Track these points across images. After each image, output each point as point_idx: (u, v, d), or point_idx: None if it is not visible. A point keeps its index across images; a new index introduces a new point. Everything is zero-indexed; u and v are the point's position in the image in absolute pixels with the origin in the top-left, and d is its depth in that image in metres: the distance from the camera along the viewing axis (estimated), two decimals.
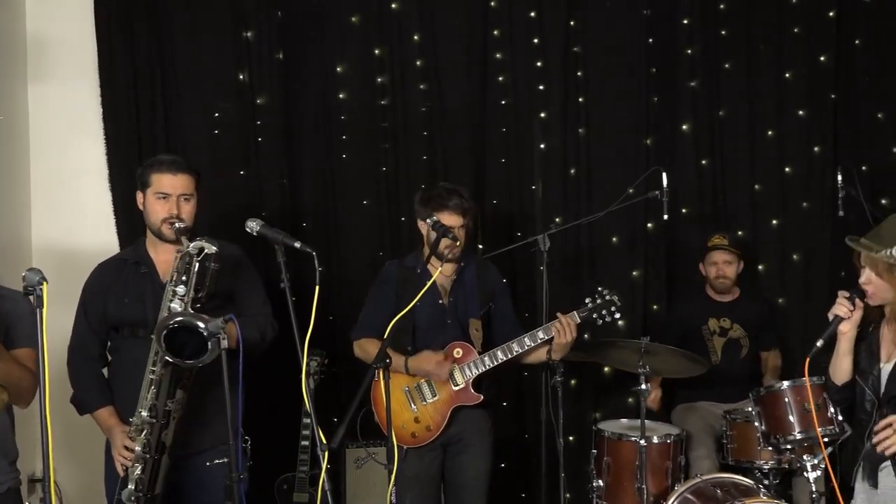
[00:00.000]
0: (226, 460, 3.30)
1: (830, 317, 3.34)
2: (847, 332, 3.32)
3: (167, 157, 3.76)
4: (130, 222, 4.81)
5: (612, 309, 4.23)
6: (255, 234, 3.27)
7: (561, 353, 4.21)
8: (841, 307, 3.31)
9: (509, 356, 4.15)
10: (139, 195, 3.67)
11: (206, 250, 3.31)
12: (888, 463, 3.22)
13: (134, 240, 3.96)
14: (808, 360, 3.32)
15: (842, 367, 3.37)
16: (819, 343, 3.30)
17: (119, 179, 4.92)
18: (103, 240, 4.87)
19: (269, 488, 4.65)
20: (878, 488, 3.26)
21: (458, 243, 4.07)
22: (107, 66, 4.95)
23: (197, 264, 3.31)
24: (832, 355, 3.41)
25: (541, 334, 4.14)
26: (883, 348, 3.32)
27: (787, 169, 5.60)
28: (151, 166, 3.65)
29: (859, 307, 3.30)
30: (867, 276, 3.27)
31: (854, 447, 3.44)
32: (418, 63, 5.31)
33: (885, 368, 3.29)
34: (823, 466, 4.26)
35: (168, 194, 3.57)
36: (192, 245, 3.32)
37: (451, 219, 4.11)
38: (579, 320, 4.19)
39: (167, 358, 3.22)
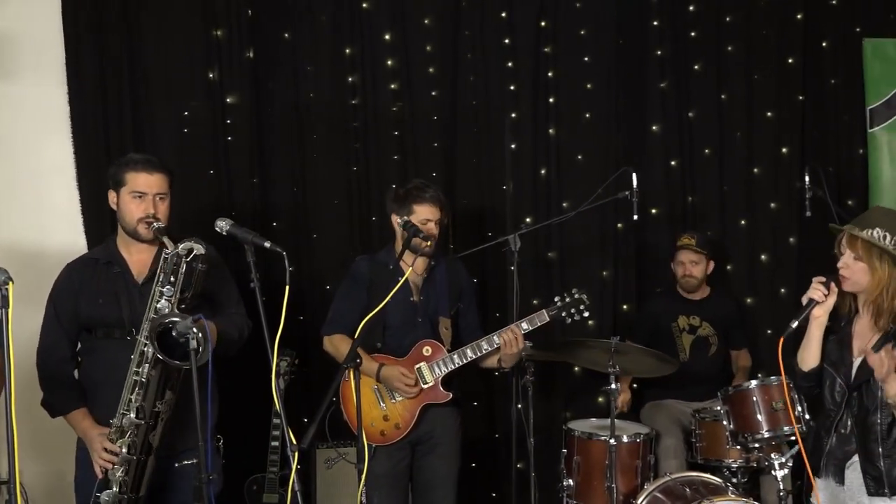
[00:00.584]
0: (195, 461, 3.28)
1: (804, 301, 3.35)
2: (819, 316, 3.33)
3: (141, 155, 3.70)
4: (98, 221, 4.76)
5: (581, 307, 4.25)
6: (224, 233, 3.25)
7: (510, 362, 4.22)
8: (816, 291, 3.31)
9: (479, 354, 4.16)
10: (112, 194, 3.61)
11: (195, 251, 3.28)
12: (855, 459, 3.25)
13: (102, 239, 3.91)
14: (781, 340, 3.32)
15: (811, 352, 3.37)
16: (793, 324, 3.32)
17: (87, 178, 4.86)
18: (70, 239, 4.81)
19: (239, 489, 4.63)
20: (845, 485, 3.28)
21: (428, 243, 4.07)
22: (74, 63, 4.88)
23: (185, 265, 3.29)
24: (801, 342, 3.43)
25: (496, 339, 4.15)
26: (855, 342, 3.34)
27: (755, 170, 5.66)
28: (126, 165, 3.59)
29: (833, 292, 3.31)
30: (845, 261, 3.28)
31: (818, 438, 3.44)
32: (389, 63, 5.31)
33: (857, 362, 3.31)
34: (791, 465, 4.31)
35: (144, 193, 3.53)
36: (181, 246, 3.29)
37: (428, 211, 4.12)
38: (548, 318, 4.21)
39: (158, 357, 3.19)
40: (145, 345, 3.25)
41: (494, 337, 4.16)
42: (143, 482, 3.37)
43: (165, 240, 3.37)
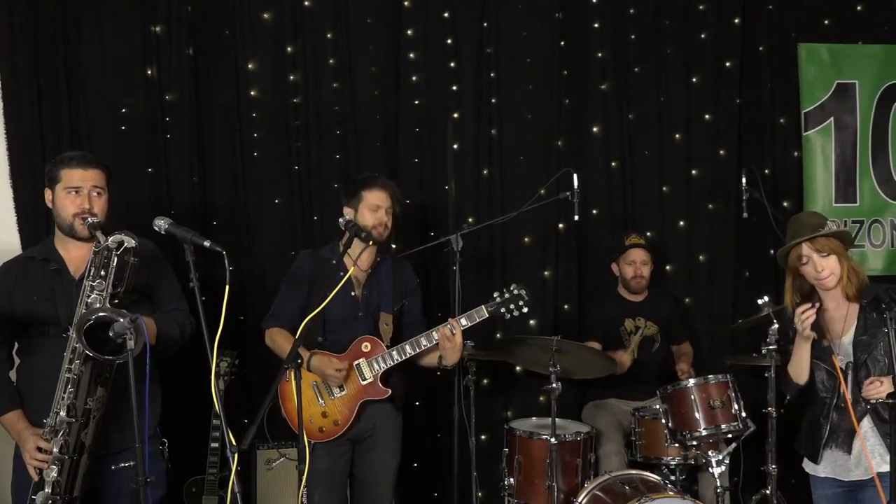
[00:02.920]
0: (132, 463, 3.22)
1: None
2: (810, 337, 3.59)
3: (76, 152, 3.65)
4: (33, 221, 4.67)
5: (521, 303, 4.23)
6: (163, 232, 3.21)
7: (450, 359, 4.19)
8: (807, 322, 3.56)
9: (417, 350, 4.15)
10: (47, 192, 3.55)
11: (125, 244, 3.23)
12: (862, 426, 3.53)
13: (37, 239, 3.85)
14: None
15: (804, 367, 3.66)
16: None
17: (21, 178, 4.75)
18: (4, 239, 4.71)
19: (178, 491, 4.57)
20: (852, 452, 3.57)
21: (370, 244, 4.05)
22: (8, 58, 4.77)
23: (116, 258, 3.23)
24: (786, 362, 3.77)
25: (435, 335, 4.15)
26: (832, 326, 3.63)
27: (693, 171, 5.74)
28: (60, 162, 3.54)
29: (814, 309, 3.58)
30: (821, 263, 3.56)
31: (814, 425, 3.70)
32: (331, 61, 5.28)
33: (846, 340, 3.58)
34: (728, 462, 4.38)
35: (79, 188, 3.47)
36: (111, 239, 3.23)
37: (377, 197, 4.15)
38: (487, 314, 4.20)
39: (87, 353, 3.13)
40: (76, 340, 3.19)
41: (433, 333, 4.15)
42: (77, 483, 3.30)
43: (98, 234, 3.31)
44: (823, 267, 3.55)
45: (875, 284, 3.67)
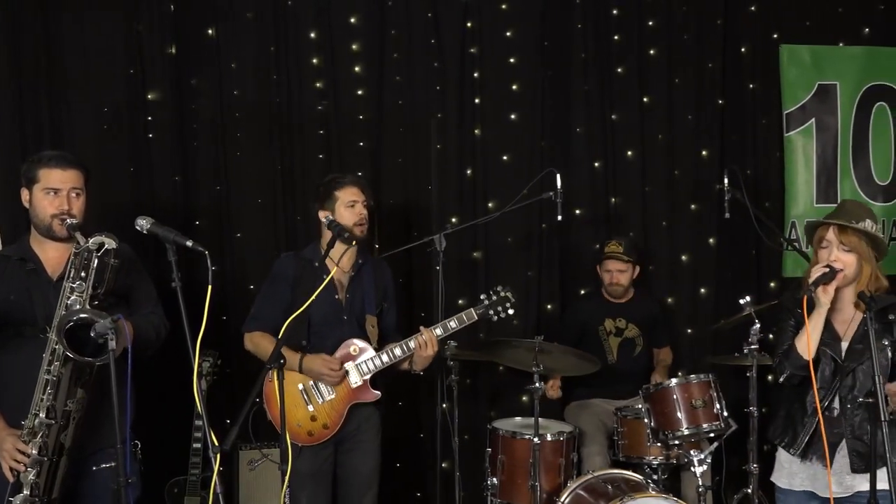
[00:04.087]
0: (113, 464, 3.21)
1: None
2: (826, 304, 3.33)
3: (54, 152, 3.62)
4: (12, 220, 4.62)
5: (507, 305, 4.26)
6: (145, 232, 3.19)
7: (422, 365, 4.21)
8: (823, 269, 3.33)
9: (407, 353, 4.14)
10: (24, 192, 3.53)
11: (106, 245, 3.21)
12: (844, 443, 3.36)
13: (14, 238, 3.81)
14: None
15: (815, 340, 3.35)
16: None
17: (1, 175, 4.73)
18: None
19: (160, 492, 4.56)
20: (833, 466, 3.35)
21: (353, 244, 4.05)
22: None
23: (96, 260, 3.22)
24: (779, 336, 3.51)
25: (412, 343, 4.15)
26: (836, 327, 3.44)
27: (676, 172, 5.76)
28: (38, 161, 3.51)
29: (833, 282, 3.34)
30: (836, 254, 3.36)
31: (792, 416, 3.51)
32: (314, 61, 5.28)
33: (843, 346, 3.42)
34: (710, 461, 4.40)
35: (58, 189, 3.45)
36: (91, 240, 3.22)
37: (351, 192, 4.14)
38: (476, 317, 4.22)
39: (68, 355, 3.11)
40: (56, 342, 3.17)
41: (436, 329, 4.17)
42: (56, 485, 3.28)
43: (78, 235, 3.29)
44: (838, 259, 3.33)
45: (889, 296, 3.46)
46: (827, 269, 3.31)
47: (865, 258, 3.37)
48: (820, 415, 3.32)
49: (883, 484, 3.09)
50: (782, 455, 3.57)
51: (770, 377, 3.67)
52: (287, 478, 3.36)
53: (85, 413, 3.33)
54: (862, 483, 3.28)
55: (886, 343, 3.36)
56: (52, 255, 3.50)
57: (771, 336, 4.42)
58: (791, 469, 3.52)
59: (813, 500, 3.46)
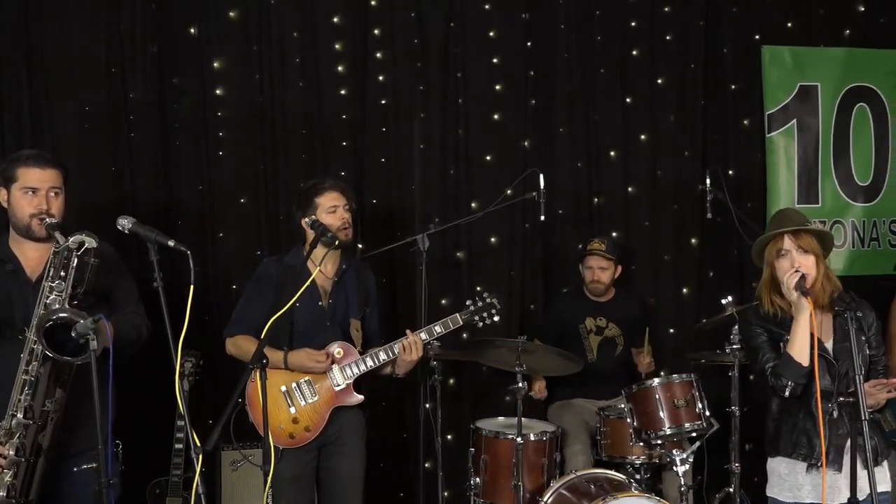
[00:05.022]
0: (95, 465, 3.19)
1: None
2: (810, 309, 3.26)
3: (32, 151, 3.60)
4: None
5: (493, 311, 4.27)
6: (126, 231, 3.18)
7: (405, 369, 4.21)
8: (791, 277, 3.31)
9: (392, 356, 4.13)
10: (2, 191, 3.50)
11: (86, 244, 3.20)
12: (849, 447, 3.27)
13: None
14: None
15: (805, 345, 3.30)
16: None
17: None
18: None
19: (142, 492, 4.54)
20: (842, 472, 3.29)
21: (336, 245, 4.03)
22: None
23: (76, 259, 3.20)
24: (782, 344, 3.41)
25: (396, 348, 4.13)
26: (820, 333, 3.37)
27: (658, 172, 5.78)
28: (16, 161, 3.49)
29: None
30: (798, 259, 3.35)
31: (803, 426, 3.38)
32: (297, 60, 5.26)
33: (830, 346, 3.38)
34: (692, 461, 4.41)
35: (36, 188, 3.43)
36: (71, 239, 3.20)
37: (332, 198, 4.11)
38: (462, 322, 4.22)
39: (47, 354, 3.09)
40: (35, 342, 3.15)
41: (421, 334, 4.17)
42: (33, 486, 3.26)
43: (57, 234, 3.27)
44: (801, 264, 3.33)
45: (848, 295, 3.45)
46: (800, 275, 3.30)
47: (820, 258, 3.39)
48: (820, 419, 3.22)
49: (884, 486, 3.13)
50: (782, 467, 3.44)
51: (771, 393, 3.46)
52: (269, 479, 3.35)
53: (64, 414, 3.31)
54: (869, 485, 3.12)
55: (864, 338, 3.35)
56: (31, 256, 3.48)
57: None
58: (795, 481, 3.40)
59: None
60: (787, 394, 3.32)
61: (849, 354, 3.22)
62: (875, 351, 3.41)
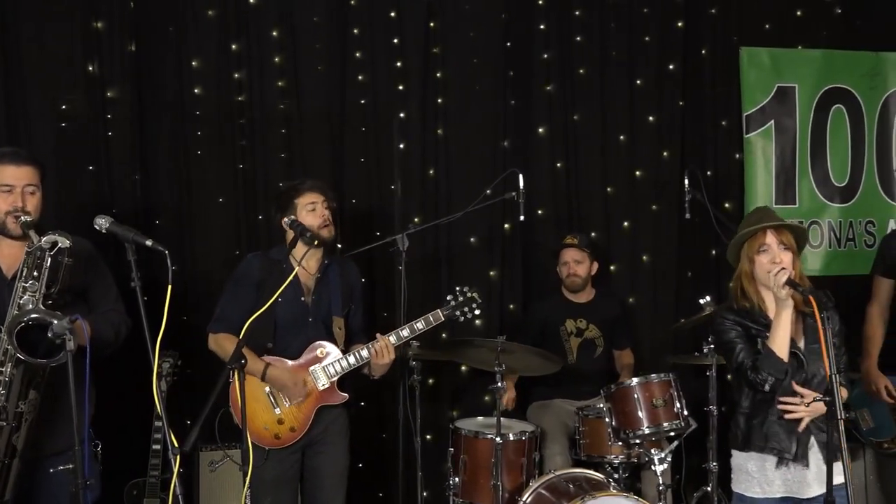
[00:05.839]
0: (71, 466, 3.17)
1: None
2: (788, 297, 3.30)
3: (8, 148, 3.59)
4: None
5: (474, 306, 4.27)
6: (104, 231, 3.16)
7: (380, 372, 4.19)
8: (779, 274, 3.32)
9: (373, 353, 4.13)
10: None
11: (59, 244, 3.18)
12: (814, 441, 3.35)
13: None
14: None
15: (787, 340, 3.34)
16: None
17: None
18: None
19: (119, 493, 4.51)
20: (810, 466, 3.35)
21: (315, 244, 4.03)
22: None
23: (49, 259, 3.18)
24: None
25: (364, 353, 4.12)
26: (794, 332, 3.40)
27: (637, 172, 5.80)
28: None
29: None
30: (780, 255, 3.38)
31: (774, 421, 3.41)
32: (276, 59, 5.25)
33: (802, 345, 3.42)
34: (670, 460, 4.43)
35: (12, 186, 3.41)
36: (44, 239, 3.18)
37: (311, 196, 4.10)
38: (443, 318, 4.22)
39: (19, 356, 3.06)
40: (7, 342, 3.13)
41: (391, 336, 4.15)
42: (9, 487, 3.24)
43: (32, 233, 3.25)
44: (782, 259, 3.35)
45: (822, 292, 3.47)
46: (788, 271, 3.32)
47: (797, 255, 3.43)
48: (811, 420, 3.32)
49: (840, 478, 3.11)
50: (751, 464, 3.45)
51: (748, 387, 3.46)
52: (248, 479, 3.34)
53: (39, 414, 3.29)
54: (836, 478, 3.16)
55: (835, 341, 3.33)
56: (6, 253, 3.46)
57: None
58: (765, 477, 3.42)
59: None
60: (766, 388, 3.34)
61: (817, 356, 3.26)
62: (837, 351, 3.38)
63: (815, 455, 3.37)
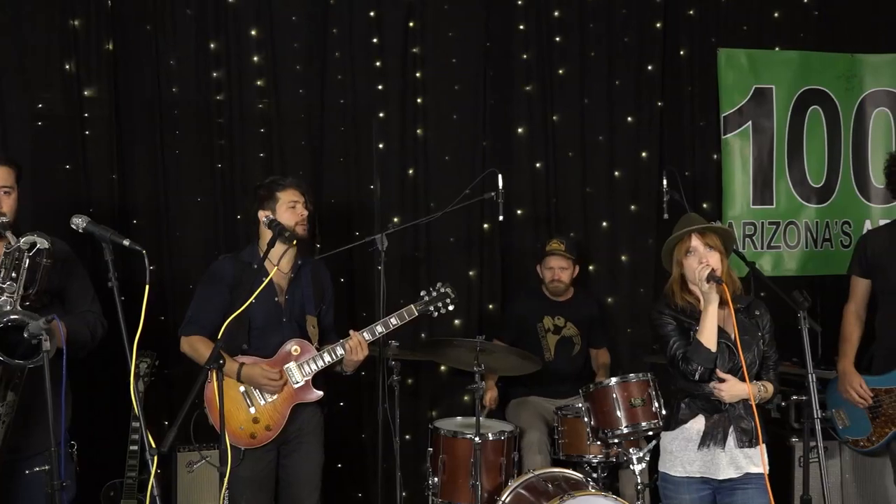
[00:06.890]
0: (47, 468, 3.14)
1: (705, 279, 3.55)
2: (712, 290, 3.51)
3: None
4: None
5: (448, 301, 4.25)
6: (81, 230, 3.14)
7: (352, 367, 4.19)
8: (701, 269, 3.54)
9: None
10: None
11: (38, 245, 3.15)
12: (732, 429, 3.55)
13: None
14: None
15: (714, 332, 3.53)
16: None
17: None
18: None
19: (96, 495, 4.48)
20: (725, 449, 3.55)
21: (294, 243, 4.02)
22: None
23: (28, 260, 3.15)
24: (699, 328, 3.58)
25: (339, 350, 4.12)
26: (724, 324, 3.60)
27: (616, 173, 5.82)
28: None
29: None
30: (707, 256, 3.57)
31: (698, 404, 3.62)
32: (255, 59, 5.23)
33: (734, 337, 3.56)
34: (648, 459, 4.44)
35: None
36: (23, 240, 3.15)
37: (292, 194, 4.11)
38: (416, 313, 4.21)
39: None
40: None
41: (366, 333, 4.15)
42: None
43: (9, 234, 3.23)
44: (708, 260, 3.55)
45: (748, 296, 3.81)
46: (711, 268, 3.51)
47: (724, 256, 3.61)
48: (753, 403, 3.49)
49: (758, 469, 3.48)
50: (675, 444, 3.65)
51: (680, 377, 3.63)
52: (226, 480, 3.32)
53: (16, 416, 3.26)
54: (749, 466, 3.53)
55: (760, 335, 3.62)
56: None
57: None
58: (687, 457, 3.60)
59: (705, 485, 3.59)
60: (696, 377, 3.54)
61: (747, 347, 3.54)
62: (767, 348, 3.65)
63: (732, 439, 3.55)
